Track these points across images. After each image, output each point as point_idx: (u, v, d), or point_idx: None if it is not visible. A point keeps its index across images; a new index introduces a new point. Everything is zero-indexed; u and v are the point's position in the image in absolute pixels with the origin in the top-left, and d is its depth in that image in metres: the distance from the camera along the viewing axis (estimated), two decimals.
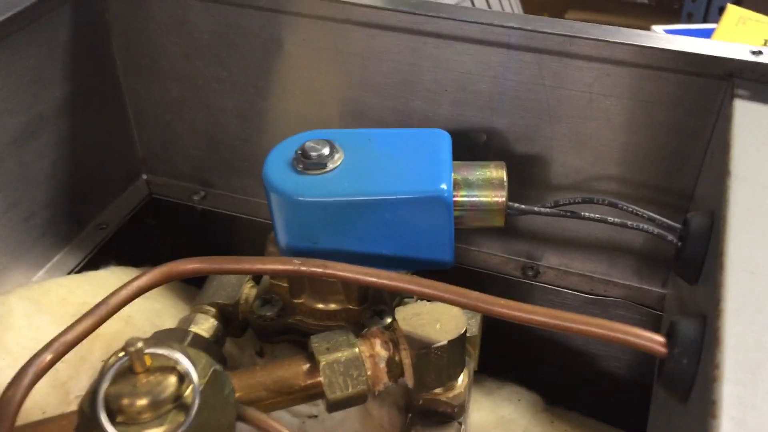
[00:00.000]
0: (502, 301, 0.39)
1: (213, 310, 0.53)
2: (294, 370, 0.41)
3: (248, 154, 0.68)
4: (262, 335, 0.51)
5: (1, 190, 0.57)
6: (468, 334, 0.48)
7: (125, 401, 0.30)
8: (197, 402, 0.30)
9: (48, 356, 0.37)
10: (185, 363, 0.31)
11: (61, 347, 0.37)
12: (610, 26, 0.52)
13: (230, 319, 0.53)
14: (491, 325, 0.54)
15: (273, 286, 0.52)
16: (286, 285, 0.51)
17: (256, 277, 0.55)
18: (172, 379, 0.31)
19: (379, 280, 0.42)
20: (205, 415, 0.31)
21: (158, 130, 0.70)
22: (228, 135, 0.67)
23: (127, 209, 0.70)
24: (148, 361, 0.31)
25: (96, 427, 0.30)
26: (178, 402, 0.31)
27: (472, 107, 0.57)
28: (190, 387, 0.31)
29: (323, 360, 0.41)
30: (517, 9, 1.28)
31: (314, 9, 0.57)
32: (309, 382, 0.41)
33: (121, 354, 0.31)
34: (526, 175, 0.58)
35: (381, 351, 0.42)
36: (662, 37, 0.50)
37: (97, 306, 0.40)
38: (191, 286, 0.62)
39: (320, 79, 0.61)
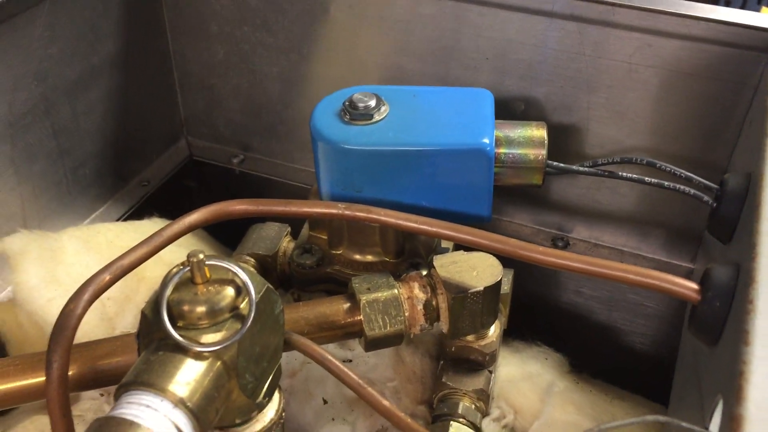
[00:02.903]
0: (540, 248, 0.41)
1: (252, 260, 0.54)
2: (335, 308, 0.43)
3: (289, 119, 0.70)
4: (300, 283, 0.53)
5: (57, 136, 0.60)
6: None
7: (186, 307, 0.32)
8: (253, 313, 0.32)
9: (107, 276, 0.39)
10: (243, 276, 0.33)
11: (119, 270, 0.39)
12: None
13: (268, 271, 0.55)
14: (521, 295, 0.56)
15: (312, 238, 0.53)
16: (325, 237, 0.52)
17: (294, 233, 0.57)
18: (230, 290, 0.33)
19: (419, 226, 0.43)
20: (258, 328, 0.33)
21: (201, 94, 0.72)
22: (270, 100, 0.69)
23: (168, 169, 0.73)
24: (207, 272, 0.33)
25: (158, 330, 0.32)
26: (235, 312, 0.33)
27: (511, 76, 0.58)
28: (247, 299, 0.33)
29: (363, 298, 0.42)
30: None
31: None
32: (349, 319, 0.43)
33: (183, 265, 0.33)
34: (563, 145, 0.59)
35: (419, 293, 0.43)
36: (704, 7, 0.51)
37: (152, 236, 0.42)
38: (227, 248, 0.64)
39: (363, 45, 0.62)
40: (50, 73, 0.58)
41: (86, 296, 0.37)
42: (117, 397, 0.30)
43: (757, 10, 1.00)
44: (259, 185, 0.73)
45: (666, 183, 0.46)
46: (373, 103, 0.47)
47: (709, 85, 0.53)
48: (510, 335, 0.57)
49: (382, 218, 0.44)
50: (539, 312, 0.67)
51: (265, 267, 0.55)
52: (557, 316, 0.67)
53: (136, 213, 0.68)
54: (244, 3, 0.64)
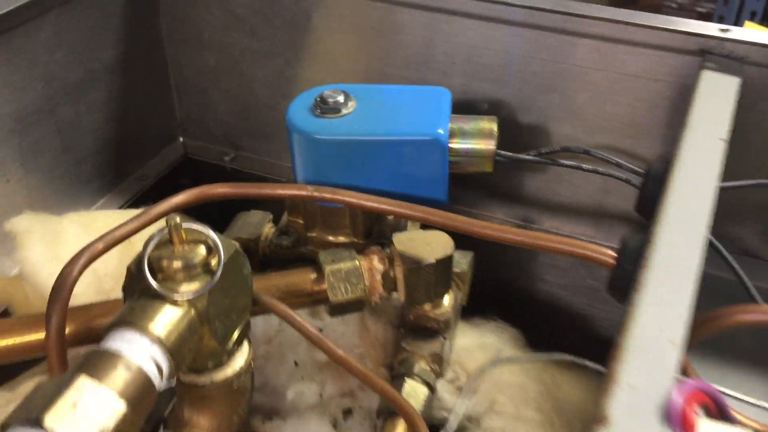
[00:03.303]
0: (482, 222, 0.46)
1: (237, 244, 0.60)
2: (303, 277, 0.48)
3: (275, 120, 0.75)
4: (278, 263, 0.58)
5: (60, 132, 0.66)
6: (458, 270, 0.55)
7: (164, 263, 0.37)
8: (221, 269, 0.38)
9: (100, 245, 0.44)
10: (214, 237, 0.38)
11: (110, 240, 0.45)
12: (601, 5, 0.58)
13: (251, 254, 0.60)
14: (488, 282, 0.61)
15: (289, 222, 0.59)
16: (300, 221, 0.58)
17: (276, 220, 0.63)
18: (203, 249, 0.38)
19: (379, 206, 0.49)
20: (227, 283, 0.39)
21: (195, 97, 0.78)
22: (258, 102, 0.75)
23: (165, 165, 0.78)
24: (183, 234, 0.38)
25: (140, 282, 0.37)
26: (207, 268, 0.38)
27: (478, 79, 0.64)
28: (216, 257, 0.38)
29: (328, 268, 0.48)
30: None
31: None
32: (315, 288, 0.48)
33: (163, 229, 0.38)
34: (522, 140, 0.65)
35: (378, 265, 0.49)
36: (643, 15, 0.57)
37: (141, 214, 0.47)
38: None
39: (343, 51, 0.68)
40: (55, 76, 0.64)
41: (81, 261, 0.43)
42: (103, 336, 0.36)
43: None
44: (248, 181, 0.78)
45: (600, 169, 0.51)
46: (341, 98, 0.52)
47: (649, 86, 0.58)
48: (473, 315, 0.62)
49: (347, 199, 0.50)
50: (505, 298, 0.72)
51: (249, 250, 0.60)
52: (523, 301, 0.73)
53: (134, 205, 0.73)
54: (232, 13, 0.70)
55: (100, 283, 0.55)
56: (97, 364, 0.33)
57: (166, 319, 0.36)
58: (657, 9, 2.07)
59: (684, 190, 0.41)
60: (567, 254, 0.43)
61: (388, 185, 0.53)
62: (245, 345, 0.43)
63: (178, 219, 0.38)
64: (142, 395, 0.34)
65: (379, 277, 0.48)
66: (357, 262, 0.48)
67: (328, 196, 0.49)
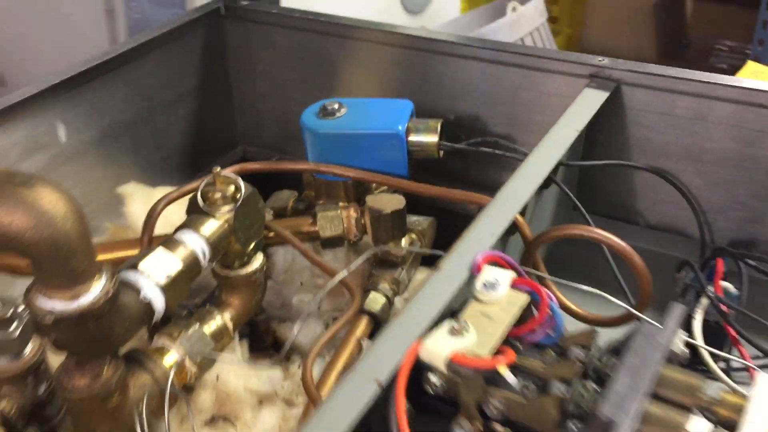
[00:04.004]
0: (412, 183, 0.71)
1: (271, 212, 0.86)
2: (303, 221, 0.74)
3: None
4: None
5: (155, 135, 0.94)
6: (420, 228, 0.79)
7: (209, 194, 0.63)
8: (242, 199, 0.63)
9: (174, 194, 0.71)
10: (239, 181, 0.64)
11: (180, 192, 0.72)
12: (517, 44, 0.83)
13: (281, 218, 0.86)
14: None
15: (305, 195, 0.84)
16: (312, 193, 0.83)
17: (300, 199, 0.89)
18: (232, 188, 0.64)
19: (357, 175, 0.74)
20: (247, 209, 0.64)
21: (251, 114, 1.06)
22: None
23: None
24: (221, 179, 0.64)
25: (194, 206, 0.63)
26: (234, 198, 0.64)
27: (454, 99, 0.88)
28: (240, 193, 0.64)
29: (320, 214, 0.73)
30: (549, 43, 1.61)
31: (351, 33, 0.92)
32: (310, 228, 0.74)
33: (209, 176, 0.64)
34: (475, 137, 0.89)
35: (353, 214, 0.74)
36: (554, 51, 0.80)
37: (198, 180, 0.74)
38: None
39: (354, 80, 0.95)
40: (154, 96, 0.93)
41: (163, 203, 0.70)
42: (174, 232, 0.62)
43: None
44: (288, 176, 1.05)
45: (508, 154, 0.75)
46: (336, 106, 0.78)
47: (561, 100, 0.81)
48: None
49: (336, 171, 0.75)
50: None
51: (279, 215, 0.86)
52: None
53: None
54: (278, 53, 0.98)
55: (170, 225, 0.82)
56: (169, 244, 0.60)
57: (209, 226, 0.62)
58: (708, 53, 2.25)
59: (536, 158, 0.65)
60: (451, 199, 0.67)
61: (366, 164, 0.78)
62: (260, 255, 0.68)
63: (218, 168, 0.64)
64: (192, 265, 0.60)
65: (353, 222, 0.73)
66: (339, 211, 0.74)
67: (323, 168, 0.75)
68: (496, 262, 0.54)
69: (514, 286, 0.51)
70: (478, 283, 0.50)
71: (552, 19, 1.87)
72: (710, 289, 0.64)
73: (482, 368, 0.45)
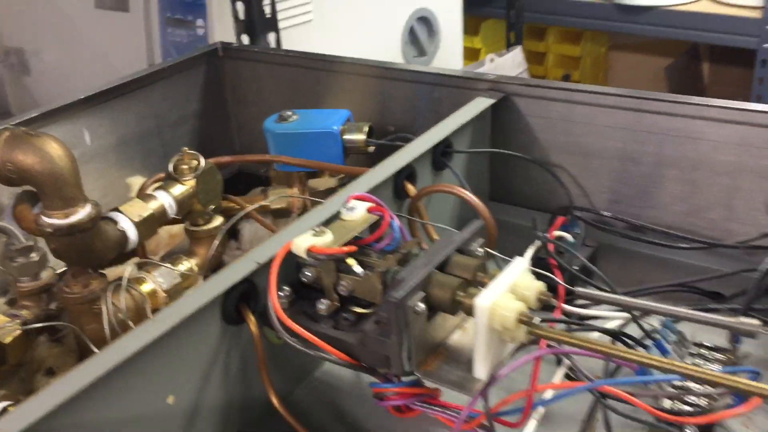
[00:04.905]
0: (334, 165, 0.93)
1: (212, 163, 1.09)
2: (258, 197, 0.96)
3: None
4: None
5: (163, 147, 1.19)
6: None
7: (179, 165, 0.87)
8: (202, 169, 0.86)
9: (162, 175, 0.95)
10: (201, 158, 0.87)
11: (162, 175, 0.96)
12: (436, 67, 1.05)
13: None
14: None
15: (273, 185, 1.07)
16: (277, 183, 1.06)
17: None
18: (195, 162, 0.87)
19: (300, 163, 0.97)
20: (206, 178, 0.87)
21: (246, 136, 1.30)
22: None
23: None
24: (187, 156, 0.87)
25: (169, 176, 0.87)
26: (197, 168, 0.87)
27: (403, 113, 1.11)
28: (201, 164, 0.87)
29: (270, 191, 0.96)
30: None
31: (328, 66, 1.16)
32: (264, 202, 0.96)
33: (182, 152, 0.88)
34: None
35: (296, 191, 0.96)
36: (454, 70, 1.02)
37: None
38: None
39: (323, 103, 1.18)
40: (162, 115, 1.18)
41: (151, 179, 0.94)
42: (146, 191, 0.85)
43: None
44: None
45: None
46: (290, 113, 1.02)
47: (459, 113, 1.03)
48: None
49: (285, 160, 0.98)
50: None
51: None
52: None
53: None
54: (268, 84, 1.23)
55: None
56: (144, 197, 0.83)
57: (177, 188, 0.86)
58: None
59: (419, 141, 0.86)
60: (359, 173, 0.88)
61: (312, 157, 1.00)
62: (219, 217, 0.91)
63: (186, 149, 0.87)
64: (160, 213, 0.83)
65: (297, 198, 0.96)
66: (286, 190, 0.96)
67: (277, 159, 0.98)
68: (363, 200, 0.75)
69: (370, 211, 0.71)
70: (343, 208, 0.71)
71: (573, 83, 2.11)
72: (546, 235, 0.83)
73: (330, 254, 0.65)
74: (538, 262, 0.82)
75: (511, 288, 0.60)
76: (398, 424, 0.71)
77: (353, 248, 0.67)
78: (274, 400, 0.66)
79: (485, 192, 1.06)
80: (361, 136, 0.99)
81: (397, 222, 0.71)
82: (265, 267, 0.66)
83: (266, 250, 0.67)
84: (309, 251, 0.66)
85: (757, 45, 2.01)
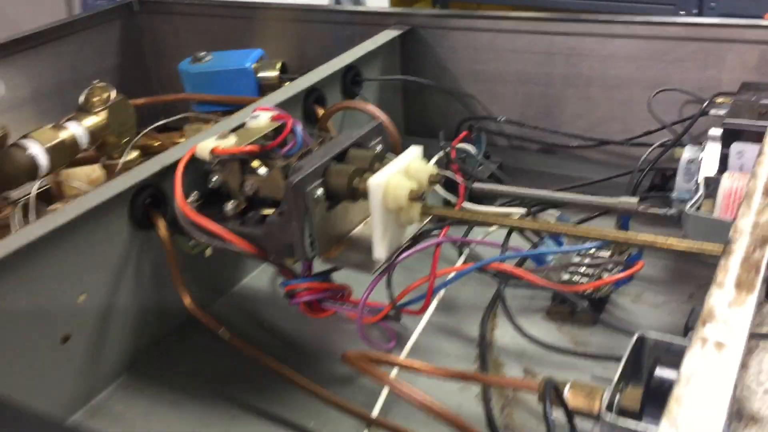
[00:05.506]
0: (244, 97, 0.95)
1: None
2: (176, 134, 0.98)
3: None
4: None
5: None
6: None
7: (91, 99, 0.88)
8: (114, 101, 0.88)
9: None
10: (112, 89, 0.89)
11: None
12: (348, 6, 1.08)
13: None
14: None
15: None
16: None
17: None
18: (107, 94, 0.88)
19: (213, 99, 0.99)
20: (118, 111, 0.89)
21: (168, 90, 1.31)
22: None
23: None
24: (101, 90, 0.89)
25: (81, 108, 0.88)
26: (109, 101, 0.88)
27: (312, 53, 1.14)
28: (112, 96, 0.88)
29: (186, 127, 0.97)
30: None
31: (246, 13, 1.18)
32: (180, 139, 0.97)
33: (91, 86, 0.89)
34: None
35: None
36: (371, 9, 1.06)
37: None
38: None
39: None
40: (78, 68, 1.18)
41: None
42: (62, 124, 0.86)
43: None
44: None
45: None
46: (203, 54, 1.03)
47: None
48: None
49: (199, 97, 1.00)
50: None
51: None
52: None
53: None
54: (181, 37, 1.24)
55: None
56: (56, 128, 0.84)
57: (89, 120, 0.87)
58: None
59: (326, 65, 0.89)
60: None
61: (229, 92, 1.02)
62: (135, 151, 0.92)
63: (96, 81, 0.88)
64: (71, 143, 0.84)
65: None
66: (202, 126, 0.98)
67: (189, 97, 1.00)
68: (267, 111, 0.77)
69: (274, 119, 0.74)
70: (248, 118, 0.74)
71: None
72: (448, 145, 0.87)
73: (232, 153, 0.68)
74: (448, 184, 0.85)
75: (404, 171, 0.64)
76: (315, 325, 0.73)
77: (255, 147, 0.69)
78: (187, 301, 0.68)
79: (400, 126, 1.09)
80: (274, 73, 1.02)
81: (300, 127, 0.73)
82: (172, 172, 0.68)
83: (173, 154, 0.69)
84: (212, 153, 0.68)
85: None
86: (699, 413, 0.31)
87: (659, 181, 0.86)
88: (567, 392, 0.46)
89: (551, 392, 0.44)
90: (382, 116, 0.81)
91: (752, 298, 0.37)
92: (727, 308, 0.37)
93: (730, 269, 0.40)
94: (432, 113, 1.07)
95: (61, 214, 0.59)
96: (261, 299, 0.80)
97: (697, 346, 0.34)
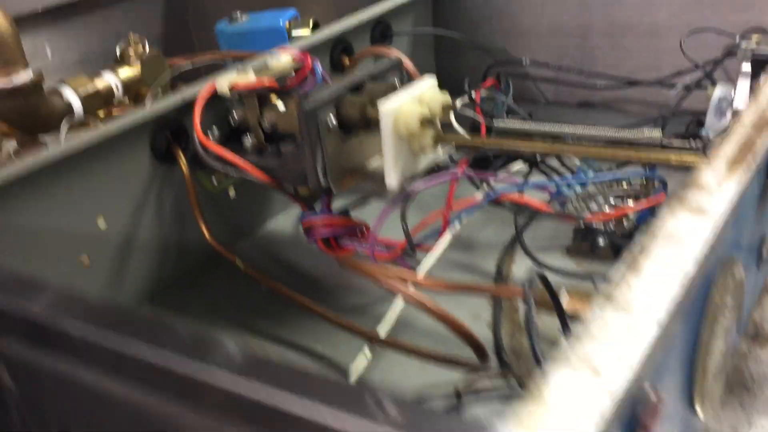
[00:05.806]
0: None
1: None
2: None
3: None
4: None
5: None
6: None
7: (125, 50, 0.90)
8: (149, 55, 0.90)
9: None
10: (146, 43, 0.91)
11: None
12: None
13: None
14: None
15: None
16: None
17: None
18: (141, 48, 0.91)
19: (251, 56, 1.00)
20: (152, 63, 0.91)
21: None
22: None
23: None
24: (141, 47, 0.91)
25: (117, 60, 0.90)
26: (143, 54, 0.91)
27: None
28: (146, 50, 0.91)
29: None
30: None
31: None
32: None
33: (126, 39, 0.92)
34: None
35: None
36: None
37: None
38: None
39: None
40: (123, 35, 1.22)
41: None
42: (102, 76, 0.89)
43: None
44: None
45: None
46: (239, 15, 1.05)
47: None
48: None
49: (234, 54, 1.01)
50: None
51: None
52: None
53: None
54: (221, 6, 1.27)
55: None
56: (93, 77, 0.86)
57: (123, 71, 0.89)
58: None
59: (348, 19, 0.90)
60: None
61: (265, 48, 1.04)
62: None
63: (131, 34, 0.91)
64: (106, 92, 0.86)
65: None
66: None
67: (227, 55, 1.02)
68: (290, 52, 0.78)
69: (295, 60, 0.75)
70: (268, 57, 0.75)
71: None
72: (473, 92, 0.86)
73: (252, 88, 0.69)
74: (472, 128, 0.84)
75: (417, 98, 0.63)
76: (335, 267, 0.73)
77: (273, 82, 0.70)
78: (206, 233, 0.69)
79: None
80: (307, 31, 1.03)
81: (319, 67, 0.74)
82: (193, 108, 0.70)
83: (194, 89, 0.71)
84: (232, 88, 0.69)
85: None
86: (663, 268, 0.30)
87: (695, 128, 0.84)
88: (562, 298, 0.45)
89: (540, 290, 0.43)
90: (406, 60, 0.81)
91: (743, 174, 0.36)
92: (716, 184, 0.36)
93: (724, 151, 0.38)
94: (465, 70, 1.06)
95: (80, 139, 0.61)
96: (283, 242, 0.81)
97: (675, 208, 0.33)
